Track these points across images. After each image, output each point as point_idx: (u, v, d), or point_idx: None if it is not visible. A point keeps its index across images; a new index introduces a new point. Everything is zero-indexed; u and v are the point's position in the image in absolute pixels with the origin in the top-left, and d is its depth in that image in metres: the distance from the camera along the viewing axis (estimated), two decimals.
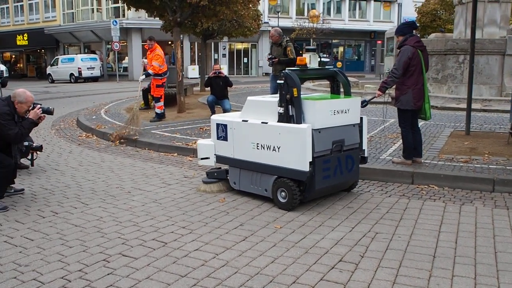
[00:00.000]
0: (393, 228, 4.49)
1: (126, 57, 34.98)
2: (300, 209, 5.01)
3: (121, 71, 33.99)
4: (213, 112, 11.43)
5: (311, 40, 27.90)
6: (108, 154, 8.02)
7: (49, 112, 5.38)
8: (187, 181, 6.16)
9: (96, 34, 35.57)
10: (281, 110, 4.93)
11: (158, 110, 10.91)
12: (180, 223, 4.60)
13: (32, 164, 6.71)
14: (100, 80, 33.25)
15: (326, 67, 5.70)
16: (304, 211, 4.96)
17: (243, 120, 5.33)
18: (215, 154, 5.67)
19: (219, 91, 11.09)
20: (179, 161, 7.40)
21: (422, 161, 6.44)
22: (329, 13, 41.71)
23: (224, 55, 36.30)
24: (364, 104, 6.36)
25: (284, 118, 4.91)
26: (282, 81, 4.94)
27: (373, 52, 44.73)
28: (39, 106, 5.23)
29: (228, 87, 11.34)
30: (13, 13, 43.35)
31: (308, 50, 5.69)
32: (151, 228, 4.46)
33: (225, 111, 11.18)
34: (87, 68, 31.96)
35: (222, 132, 5.56)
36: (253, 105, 5.39)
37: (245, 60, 37.88)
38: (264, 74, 38.26)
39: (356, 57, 45.56)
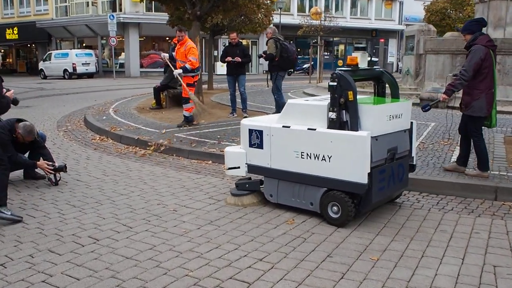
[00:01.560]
0: (510, 259, 3.76)
1: (123, 53, 33.93)
2: (385, 232, 4.29)
3: (117, 67, 32.91)
4: (234, 109, 10.79)
5: (319, 38, 27.22)
6: (132, 161, 7.20)
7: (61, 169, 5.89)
8: None
9: (91, 29, 34.48)
10: (333, 115, 4.41)
11: (186, 113, 9.46)
12: (254, 254, 3.81)
13: (56, 184, 5.87)
14: (95, 77, 32.20)
15: (374, 67, 5.14)
16: (391, 235, 4.22)
17: (283, 126, 4.74)
18: (246, 163, 5.07)
19: (235, 65, 10.61)
20: (217, 170, 6.59)
21: (490, 173, 5.73)
22: (330, 10, 41.01)
23: None
24: (427, 108, 5.77)
25: (336, 124, 4.40)
26: (335, 83, 4.38)
27: (374, 51, 44.16)
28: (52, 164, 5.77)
29: (245, 62, 10.81)
30: (3, 5, 41.97)
31: (357, 49, 5.09)
32: (222, 262, 3.66)
33: (240, 94, 10.81)
34: (82, 64, 30.87)
35: (256, 138, 4.95)
36: (295, 109, 4.79)
37: None
38: (264, 71, 37.39)
39: None
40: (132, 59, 32.99)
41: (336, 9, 42.54)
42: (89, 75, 31.48)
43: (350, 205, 4.34)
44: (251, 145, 5.01)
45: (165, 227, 4.41)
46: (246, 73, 11.10)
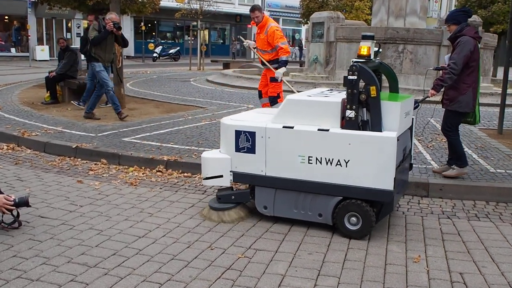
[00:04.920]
0: None
1: None
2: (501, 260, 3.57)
3: None
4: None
5: (198, 22, 26.01)
6: (90, 179, 5.47)
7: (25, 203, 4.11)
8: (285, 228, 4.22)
9: None
10: (352, 113, 3.94)
11: None
12: None
13: (19, 225, 4.07)
14: None
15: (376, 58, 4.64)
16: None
17: (284, 127, 4.13)
18: (231, 171, 4.38)
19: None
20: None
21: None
22: None
23: (78, 35, 31.99)
24: (415, 105, 5.26)
25: (354, 124, 3.94)
26: (355, 77, 3.91)
27: (239, 36, 44.09)
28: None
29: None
30: None
31: (365, 37, 4.32)
32: None
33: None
34: None
35: (246, 141, 4.29)
36: (296, 107, 4.19)
37: None
38: (125, 57, 35.05)
39: (222, 41, 44.58)
40: None
41: None
42: None
43: (372, 214, 3.94)
44: (238, 149, 4.32)
45: None
46: None
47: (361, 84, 3.95)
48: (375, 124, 3.93)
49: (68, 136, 7.07)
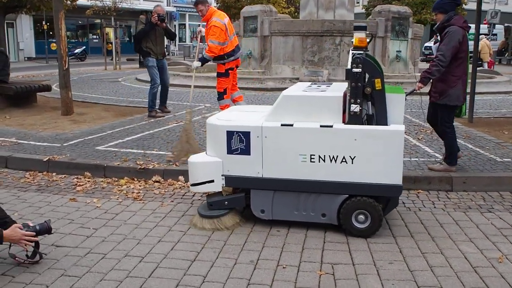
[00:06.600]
0: None
1: None
2: None
3: None
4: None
5: (112, 20, 24.72)
6: (85, 197, 4.83)
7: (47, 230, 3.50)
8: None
9: None
10: (357, 108, 3.85)
11: None
12: None
13: (40, 258, 3.43)
14: None
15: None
16: None
17: (282, 125, 3.95)
18: (223, 175, 4.12)
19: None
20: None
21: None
22: None
23: None
24: None
25: (359, 118, 3.86)
26: (359, 69, 3.83)
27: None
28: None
29: None
30: None
31: (358, 28, 4.30)
32: None
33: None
34: None
35: (240, 142, 4.06)
36: (295, 103, 4.02)
37: None
38: (26, 58, 32.78)
39: (128, 39, 42.95)
40: None
41: None
42: None
43: (380, 210, 3.88)
44: (230, 151, 4.08)
45: None
46: None
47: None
48: (381, 117, 3.87)
49: (29, 148, 6.25)
